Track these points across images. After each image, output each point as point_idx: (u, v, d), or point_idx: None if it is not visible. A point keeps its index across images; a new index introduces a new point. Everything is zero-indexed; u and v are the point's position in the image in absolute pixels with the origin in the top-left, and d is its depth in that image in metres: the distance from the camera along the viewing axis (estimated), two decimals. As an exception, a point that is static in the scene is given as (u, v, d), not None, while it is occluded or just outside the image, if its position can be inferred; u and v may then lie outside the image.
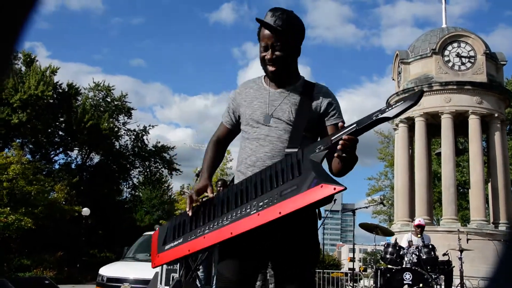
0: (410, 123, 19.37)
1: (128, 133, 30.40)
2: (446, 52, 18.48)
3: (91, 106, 27.66)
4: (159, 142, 30.71)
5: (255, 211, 1.98)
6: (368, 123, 1.88)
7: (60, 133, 27.04)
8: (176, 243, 2.23)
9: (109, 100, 29.75)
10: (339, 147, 1.93)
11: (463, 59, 18.38)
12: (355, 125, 1.91)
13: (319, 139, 2.20)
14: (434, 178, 24.18)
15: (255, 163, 2.28)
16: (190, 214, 2.21)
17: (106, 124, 26.17)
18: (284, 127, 2.28)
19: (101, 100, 29.81)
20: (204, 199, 2.31)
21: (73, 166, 28.36)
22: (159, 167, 31.19)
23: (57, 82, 26.17)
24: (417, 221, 9.21)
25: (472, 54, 18.32)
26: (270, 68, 2.30)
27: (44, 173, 23.76)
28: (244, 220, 1.99)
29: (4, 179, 20.30)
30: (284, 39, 2.25)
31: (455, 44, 18.51)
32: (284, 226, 2.12)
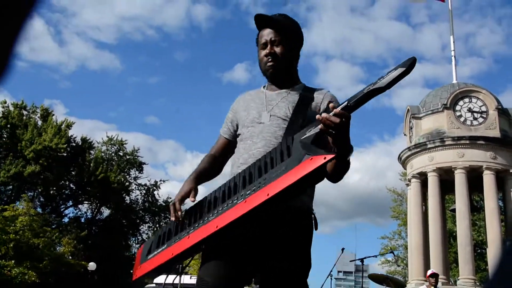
0: (423, 179, 18.77)
1: (139, 188, 30.14)
2: (458, 107, 18.19)
3: (103, 160, 27.59)
4: (170, 198, 30.22)
5: (242, 199, 1.82)
6: (359, 97, 1.72)
7: (71, 185, 26.83)
8: (159, 250, 2.07)
9: (121, 154, 29.84)
10: (327, 121, 1.70)
11: (475, 114, 18.04)
12: (346, 102, 1.76)
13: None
14: (449, 237, 23.24)
15: (247, 160, 2.12)
16: (172, 219, 2.07)
17: (117, 178, 25.99)
18: (280, 123, 2.16)
19: (113, 154, 29.87)
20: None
21: (82, 220, 28.01)
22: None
23: (72, 135, 26.34)
24: (430, 271, 8.53)
25: (484, 109, 17.99)
26: (269, 64, 2.23)
27: (53, 226, 23.28)
28: (230, 211, 1.83)
29: (11, 231, 19.83)
30: (283, 35, 2.22)
31: (467, 99, 18.23)
32: (275, 231, 1.99)
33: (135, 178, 30.08)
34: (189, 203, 2.15)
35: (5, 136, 24.22)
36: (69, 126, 25.89)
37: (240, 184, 1.94)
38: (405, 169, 20.53)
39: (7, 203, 21.20)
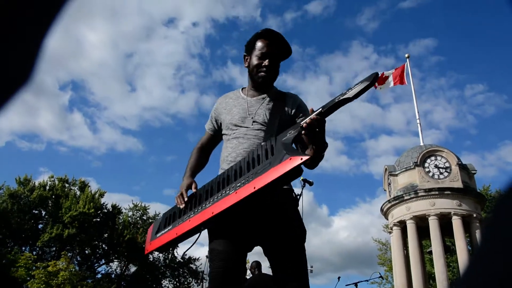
0: (403, 226, 20.23)
1: None
2: (426, 164, 19.94)
3: (130, 223, 29.62)
4: (186, 255, 31.95)
5: (233, 191, 1.96)
6: (331, 105, 1.87)
7: (103, 246, 28.66)
8: (166, 230, 2.24)
9: (145, 218, 31.83)
10: (305, 125, 1.93)
11: (441, 170, 19.74)
12: (320, 108, 1.92)
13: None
14: (429, 278, 24.27)
15: (235, 158, 2.28)
16: (181, 207, 2.24)
17: (142, 239, 27.85)
18: (260, 127, 2.32)
19: (138, 218, 31.85)
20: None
21: (113, 275, 29.59)
22: (187, 276, 32.02)
23: (104, 203, 28.65)
24: None
25: (448, 165, 19.75)
26: (262, 74, 2.38)
27: (89, 281, 25.01)
28: (224, 200, 1.98)
29: (54, 284, 21.54)
30: (280, 52, 2.40)
31: (433, 158, 20.03)
32: (266, 208, 2.16)
33: (158, 239, 31.63)
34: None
35: (50, 205, 26.81)
36: (101, 195, 28.39)
37: (232, 176, 2.06)
38: (387, 219, 21.91)
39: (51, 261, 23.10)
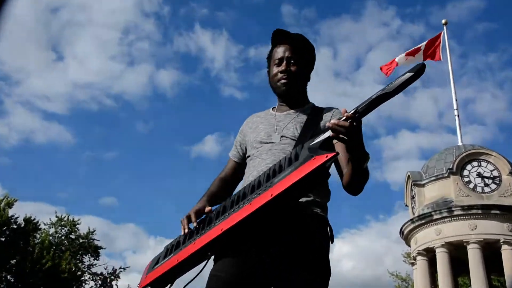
0: (430, 256, 16.30)
1: (94, 278, 25.13)
2: (466, 172, 16.14)
3: (51, 244, 23.15)
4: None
5: (247, 203, 1.78)
6: (368, 102, 1.67)
7: (9, 277, 21.92)
8: (166, 259, 1.99)
9: (73, 237, 25.33)
10: (334, 125, 1.67)
11: (486, 180, 15.95)
12: (355, 108, 1.72)
13: None
14: None
15: (256, 176, 2.04)
16: (184, 232, 2.02)
17: (68, 266, 21.50)
18: (289, 142, 2.13)
19: (63, 237, 25.34)
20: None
21: (20, 319, 22.75)
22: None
23: (13, 216, 21.88)
24: None
25: (496, 174, 15.96)
26: (282, 81, 2.21)
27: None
28: (236, 214, 1.78)
29: None
30: (299, 54, 2.22)
31: (475, 163, 16.24)
32: (290, 238, 1.89)
33: (89, 266, 25.28)
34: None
35: None
36: (9, 204, 21.72)
37: (249, 192, 1.88)
38: (409, 245, 18.04)
39: None
